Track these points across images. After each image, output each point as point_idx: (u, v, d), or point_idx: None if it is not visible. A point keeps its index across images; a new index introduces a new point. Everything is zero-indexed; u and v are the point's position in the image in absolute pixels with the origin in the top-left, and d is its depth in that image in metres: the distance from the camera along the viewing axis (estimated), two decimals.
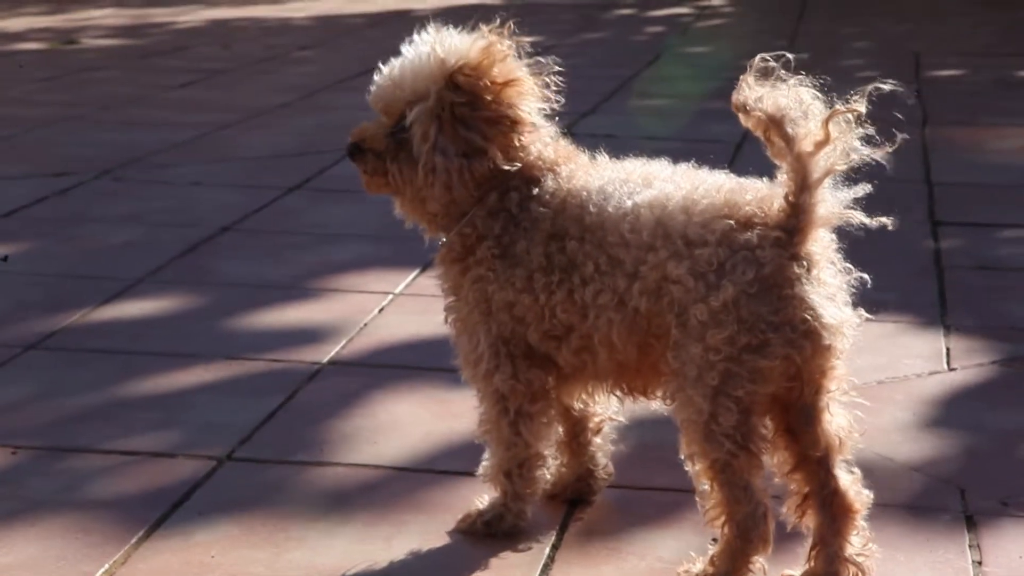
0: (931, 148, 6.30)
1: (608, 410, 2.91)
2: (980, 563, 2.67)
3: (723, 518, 2.50)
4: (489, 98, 2.59)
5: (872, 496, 2.58)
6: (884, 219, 2.47)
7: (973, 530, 2.80)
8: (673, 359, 2.47)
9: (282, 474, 3.05)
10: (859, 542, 2.55)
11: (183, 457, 3.12)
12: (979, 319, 4.06)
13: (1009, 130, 6.80)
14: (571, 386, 2.75)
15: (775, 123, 2.37)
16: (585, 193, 2.58)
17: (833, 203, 2.42)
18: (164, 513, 2.85)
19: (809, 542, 2.55)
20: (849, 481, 2.54)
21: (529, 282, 2.59)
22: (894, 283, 4.31)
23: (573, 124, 6.61)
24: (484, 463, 2.79)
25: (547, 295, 2.58)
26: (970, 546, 2.73)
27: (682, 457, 2.53)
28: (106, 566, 2.63)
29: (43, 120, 6.99)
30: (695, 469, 2.51)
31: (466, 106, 2.58)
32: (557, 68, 2.68)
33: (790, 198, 2.40)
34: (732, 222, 2.43)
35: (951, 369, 3.68)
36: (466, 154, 2.59)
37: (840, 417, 2.53)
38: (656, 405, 2.69)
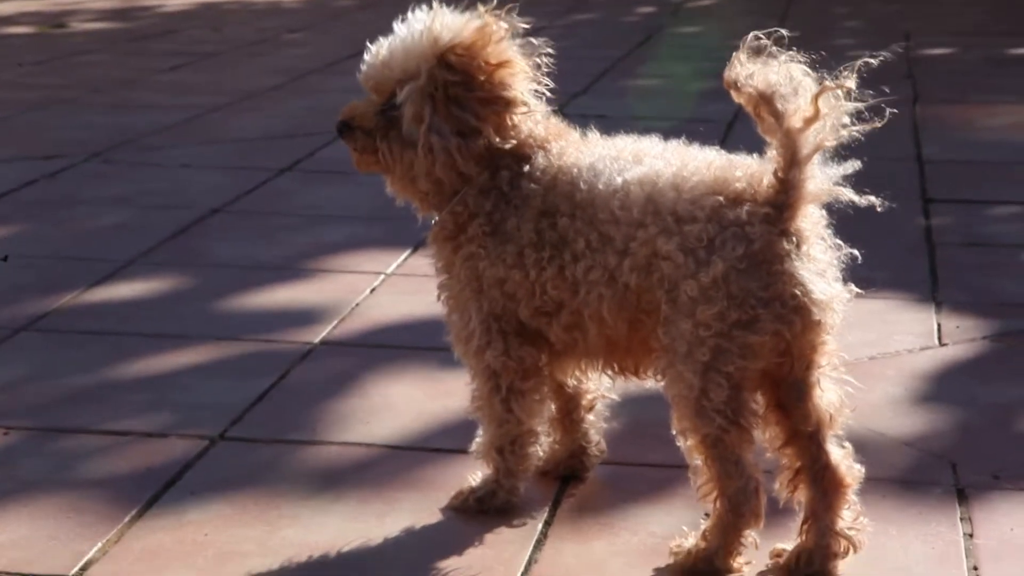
0: (922, 126, 6.31)
1: (601, 387, 2.91)
2: (971, 536, 2.68)
3: (715, 493, 2.51)
4: (482, 78, 2.59)
5: (864, 470, 2.59)
6: (873, 198, 2.47)
7: (964, 503, 2.81)
8: (663, 335, 2.47)
9: (274, 453, 3.05)
10: (850, 516, 2.55)
11: (175, 437, 3.12)
12: (970, 295, 4.07)
13: (999, 107, 6.80)
14: (563, 363, 2.75)
15: (765, 99, 2.37)
16: (576, 170, 2.58)
17: (822, 179, 2.42)
18: (156, 492, 2.85)
19: (800, 517, 2.56)
20: (840, 456, 2.55)
21: (520, 258, 2.60)
22: (886, 260, 4.32)
23: (564, 104, 6.60)
24: (477, 440, 2.80)
25: (538, 271, 2.59)
26: (961, 519, 2.74)
27: (674, 433, 2.53)
28: (99, 545, 2.63)
29: (33, 103, 6.98)
30: (686, 445, 2.52)
31: (459, 86, 2.58)
32: (548, 49, 2.68)
33: (779, 174, 2.40)
34: (722, 198, 2.43)
35: (942, 345, 3.69)
36: (460, 133, 2.59)
37: (831, 392, 2.54)
38: (648, 383, 2.69)
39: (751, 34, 2.42)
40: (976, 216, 4.92)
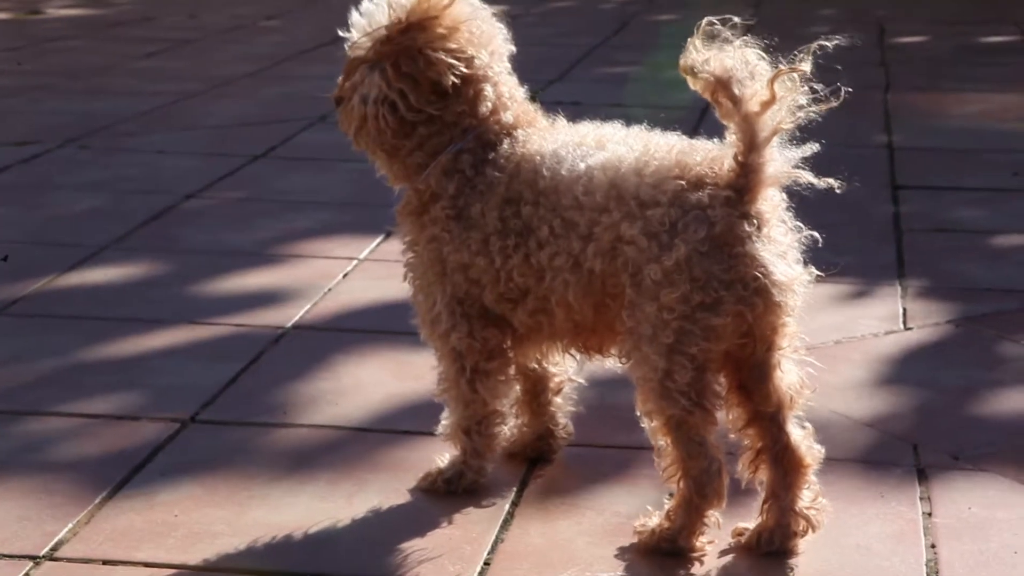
0: (893, 113, 6.36)
1: (568, 371, 2.95)
2: (930, 515, 2.73)
3: (679, 474, 2.55)
4: (436, 44, 2.61)
5: (824, 451, 2.63)
6: (832, 180, 2.51)
7: (924, 483, 2.85)
8: (628, 318, 2.50)
9: (245, 435, 3.08)
10: (809, 496, 2.60)
11: (146, 420, 3.15)
12: (935, 280, 4.12)
13: (971, 95, 6.86)
14: (526, 347, 2.78)
15: (722, 84, 2.41)
16: (539, 157, 2.61)
17: (782, 162, 2.46)
18: (127, 474, 2.88)
19: (762, 496, 2.60)
20: (801, 436, 2.59)
21: (484, 246, 2.63)
22: (853, 245, 4.37)
23: (540, 91, 6.63)
24: (443, 422, 2.83)
25: (503, 259, 2.62)
26: (921, 498, 2.79)
27: (638, 415, 2.57)
28: (70, 526, 2.66)
29: (7, 90, 6.97)
30: (651, 426, 2.56)
31: (407, 52, 2.60)
32: (501, 15, 2.71)
33: (739, 158, 2.44)
34: (683, 182, 2.46)
35: (907, 329, 3.74)
36: (387, 100, 2.62)
37: (791, 374, 2.58)
38: (612, 364, 2.73)
39: (704, 19, 2.45)
40: (944, 202, 4.97)
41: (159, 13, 9.92)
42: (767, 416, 2.57)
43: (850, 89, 2.49)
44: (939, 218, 4.76)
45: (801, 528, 2.58)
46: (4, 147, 5.70)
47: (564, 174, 2.56)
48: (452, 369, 2.73)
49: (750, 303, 2.45)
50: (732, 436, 2.62)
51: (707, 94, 2.44)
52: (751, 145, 2.42)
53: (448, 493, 2.79)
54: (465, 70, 2.62)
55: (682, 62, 2.44)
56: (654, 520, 2.60)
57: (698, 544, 2.57)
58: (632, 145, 2.55)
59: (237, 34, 9.02)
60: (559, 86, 6.99)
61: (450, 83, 2.61)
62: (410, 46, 2.61)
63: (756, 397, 2.57)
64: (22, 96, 6.82)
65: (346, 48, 2.71)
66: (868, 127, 6.07)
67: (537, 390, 2.93)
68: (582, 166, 2.55)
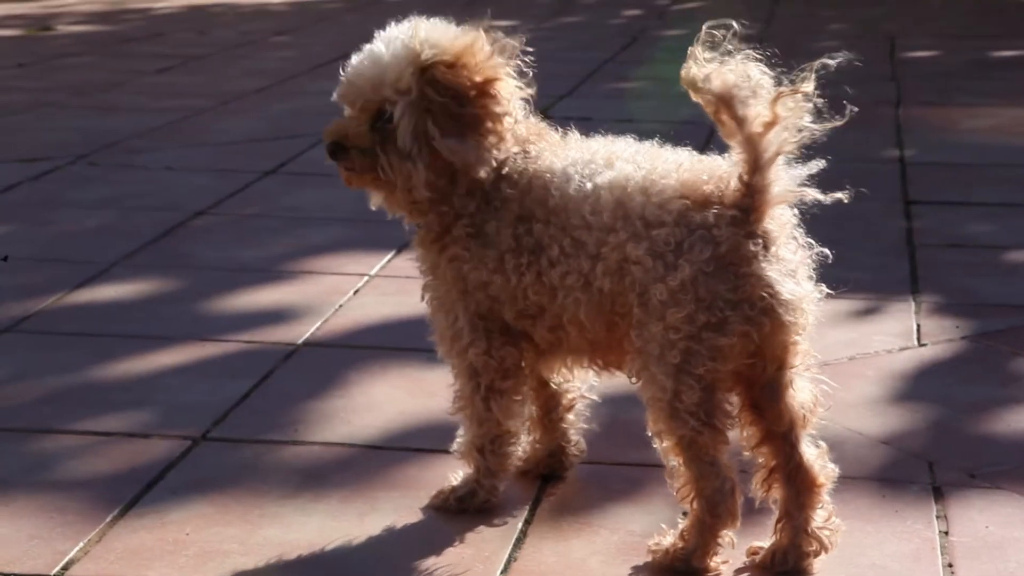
0: (904, 128, 6.34)
1: (580, 388, 2.93)
2: (947, 533, 2.70)
3: (692, 494, 2.53)
4: (472, 94, 2.59)
5: (838, 469, 2.61)
6: (838, 194, 2.49)
7: (941, 501, 2.83)
8: (636, 338, 2.49)
9: (256, 453, 3.07)
10: (823, 516, 2.57)
11: (157, 437, 3.13)
12: (949, 296, 4.09)
13: (982, 110, 6.84)
14: (549, 361, 2.77)
15: (724, 103, 2.39)
16: (549, 175, 2.59)
17: (787, 181, 2.44)
18: (138, 492, 2.86)
19: (775, 516, 2.58)
20: (814, 455, 2.57)
21: (500, 263, 2.61)
22: (866, 261, 4.35)
23: (550, 107, 6.63)
24: (458, 440, 2.82)
25: (518, 277, 2.61)
26: (937, 517, 2.77)
27: (649, 434, 2.55)
28: (81, 544, 2.64)
29: (18, 106, 6.98)
30: (663, 446, 2.54)
31: (450, 101, 2.58)
32: (527, 49, 2.69)
33: (744, 178, 2.43)
34: (689, 202, 2.45)
35: (921, 345, 3.71)
36: (463, 135, 2.59)
37: (804, 392, 2.56)
38: (626, 381, 2.70)
39: (704, 27, 2.44)
40: (957, 217, 4.95)
41: (169, 29, 9.94)
42: (780, 435, 2.55)
43: (855, 109, 2.47)
44: (952, 233, 4.74)
45: (813, 549, 2.55)
46: (14, 164, 5.70)
47: (572, 193, 2.55)
48: (468, 387, 2.72)
49: (757, 323, 2.43)
50: (745, 454, 2.60)
51: (709, 111, 2.43)
52: (755, 165, 2.41)
53: (460, 511, 2.77)
54: (499, 109, 2.60)
55: (683, 74, 2.43)
56: (668, 539, 2.58)
57: (712, 564, 2.55)
58: (640, 163, 2.54)
59: (247, 50, 9.03)
60: (569, 101, 6.98)
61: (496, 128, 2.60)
62: (455, 85, 2.58)
63: (768, 416, 2.55)
64: (32, 112, 6.83)
65: (349, 84, 2.65)
66: (880, 142, 6.05)
67: (549, 407, 2.92)
68: (589, 185, 2.54)
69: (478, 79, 2.59)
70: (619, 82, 7.70)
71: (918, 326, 3.84)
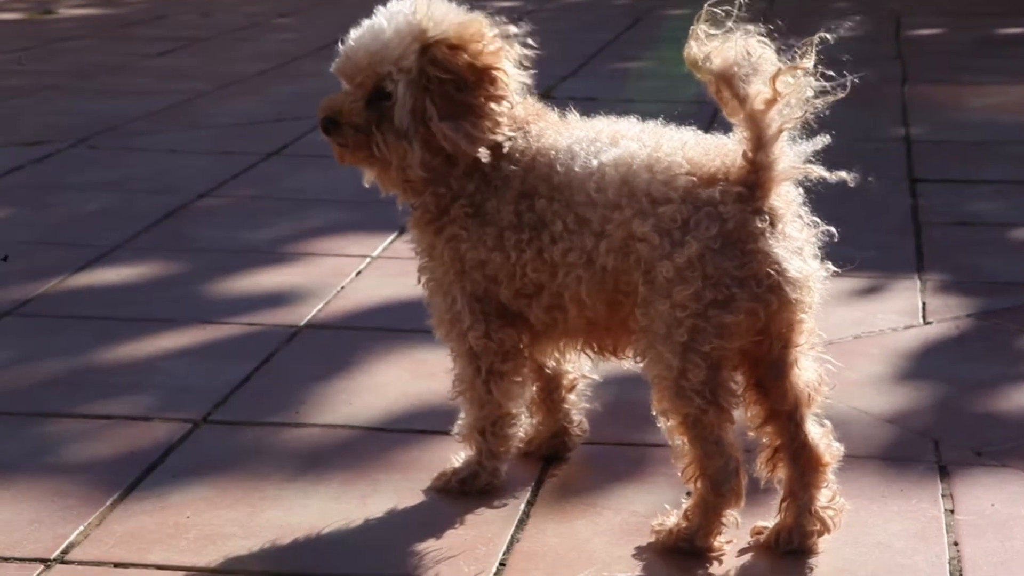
0: (910, 106, 6.30)
1: (582, 368, 2.91)
2: (952, 512, 2.68)
3: (696, 473, 2.51)
4: (472, 78, 2.57)
5: (843, 449, 2.59)
6: (844, 174, 2.47)
7: (946, 480, 2.81)
8: (642, 316, 2.47)
9: (257, 436, 3.05)
10: (827, 495, 2.55)
11: (158, 420, 3.12)
12: (955, 274, 4.07)
13: (989, 87, 6.80)
14: (543, 344, 2.75)
15: (725, 81, 2.37)
16: (553, 152, 2.57)
17: (792, 158, 2.42)
18: (139, 476, 2.85)
19: (780, 495, 2.56)
20: (819, 434, 2.55)
21: (500, 241, 2.59)
22: (872, 239, 4.33)
23: (553, 87, 6.60)
24: (459, 422, 2.80)
25: (518, 253, 2.58)
26: (943, 495, 2.75)
27: (654, 413, 2.54)
28: (81, 528, 2.63)
29: (19, 90, 6.95)
30: (667, 426, 2.52)
31: (449, 83, 2.56)
32: (527, 34, 2.66)
33: (748, 155, 2.40)
34: (695, 179, 2.43)
35: (927, 323, 3.69)
36: (457, 119, 2.57)
37: (809, 371, 2.54)
38: (627, 364, 2.69)
39: (706, 5, 2.41)
40: (962, 195, 4.92)
41: (172, 12, 9.90)
42: (784, 414, 2.53)
43: (856, 79, 2.43)
44: (958, 211, 4.71)
45: (817, 528, 2.54)
46: (15, 147, 5.68)
47: (578, 170, 2.53)
48: (468, 370, 2.70)
49: (764, 300, 2.41)
50: (750, 434, 2.58)
51: (711, 89, 2.41)
52: (759, 142, 2.39)
53: (462, 493, 2.76)
54: (498, 94, 2.58)
55: (686, 54, 2.40)
56: (672, 519, 2.56)
57: (716, 544, 2.53)
58: (645, 141, 2.51)
59: (250, 32, 9.00)
60: (573, 82, 6.95)
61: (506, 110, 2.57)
62: (456, 67, 2.55)
63: (773, 395, 2.53)
64: (33, 96, 6.81)
65: (346, 59, 2.62)
66: (886, 120, 6.01)
67: (551, 388, 2.90)
68: (595, 162, 2.51)
69: (479, 64, 2.57)
70: (624, 62, 7.67)
71: (923, 304, 3.82)
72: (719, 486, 2.50)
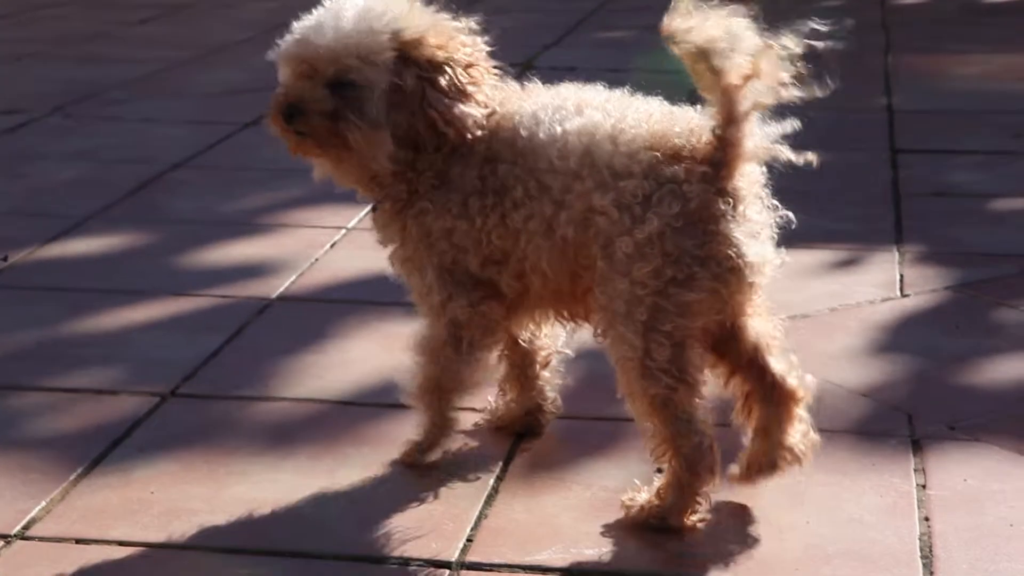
0: (893, 76, 6.26)
1: (556, 344, 2.88)
2: (924, 487, 2.66)
3: (669, 453, 2.48)
4: (457, 68, 2.54)
5: (815, 382, 2.60)
6: (810, 155, 2.43)
7: (919, 454, 2.79)
8: (600, 294, 2.44)
9: (225, 410, 3.02)
10: (801, 430, 2.56)
11: (126, 394, 3.08)
12: (934, 246, 4.04)
13: (973, 56, 6.75)
14: (517, 315, 2.72)
15: (704, 55, 2.33)
16: (517, 117, 2.54)
17: (760, 137, 2.39)
18: (104, 450, 2.82)
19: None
20: (786, 368, 2.55)
21: (464, 208, 2.56)
22: (852, 211, 4.29)
23: (535, 57, 6.54)
24: (411, 383, 2.71)
25: (482, 219, 2.55)
26: (915, 470, 2.73)
27: (619, 396, 2.50)
28: (43, 503, 2.60)
29: None
30: (636, 408, 2.49)
31: (439, 72, 2.53)
32: (482, 28, 2.64)
33: (717, 131, 2.37)
34: (659, 154, 2.39)
35: (904, 295, 3.66)
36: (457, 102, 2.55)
37: (759, 324, 2.54)
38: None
39: None
40: (943, 166, 4.88)
41: None
42: (746, 364, 2.54)
43: (831, 83, 2.40)
44: (938, 182, 4.67)
45: (788, 460, 2.55)
46: None
47: (541, 136, 2.49)
48: (443, 335, 2.64)
49: (724, 280, 2.40)
50: (722, 406, 2.56)
51: (687, 63, 2.37)
52: (729, 118, 2.35)
53: (429, 463, 2.72)
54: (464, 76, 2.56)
55: (665, 25, 2.36)
56: (643, 495, 2.54)
57: (689, 522, 2.51)
58: (610, 111, 2.48)
59: (232, 0, 8.91)
60: (555, 51, 6.89)
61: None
62: (429, 58, 2.53)
63: (729, 355, 2.54)
64: (10, 65, 6.74)
65: (302, 46, 2.57)
66: (868, 90, 5.97)
67: (525, 364, 2.87)
68: (559, 129, 2.48)
69: (452, 63, 2.54)
70: (606, 31, 7.61)
71: (901, 276, 3.79)
72: (693, 465, 2.47)
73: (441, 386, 2.69)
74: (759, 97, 2.35)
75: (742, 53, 2.33)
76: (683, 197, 2.36)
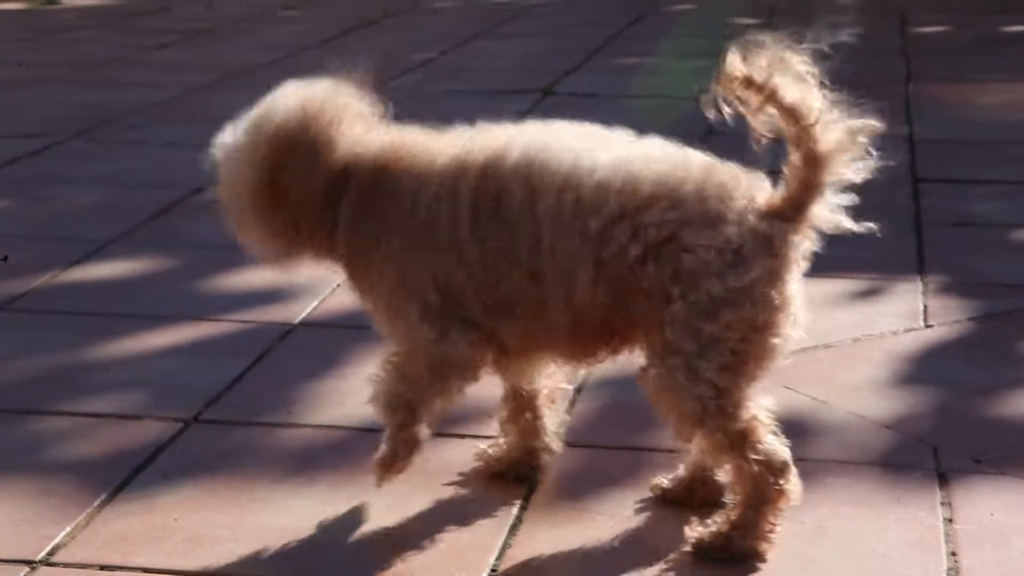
0: (914, 105, 6.26)
1: (557, 380, 2.81)
2: (951, 521, 2.64)
3: (739, 481, 2.47)
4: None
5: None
6: (871, 225, 2.52)
7: (945, 487, 2.77)
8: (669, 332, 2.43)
9: (248, 436, 3.02)
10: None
11: (149, 419, 3.08)
12: (957, 276, 4.03)
13: (993, 86, 6.75)
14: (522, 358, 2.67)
15: (791, 115, 2.32)
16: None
17: (828, 205, 2.42)
18: (128, 476, 2.81)
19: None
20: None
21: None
22: (873, 240, 4.24)
23: (556, 83, 6.55)
24: (377, 387, 2.65)
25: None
26: (941, 503, 2.71)
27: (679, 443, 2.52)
28: (68, 529, 2.60)
29: (19, 82, 6.92)
30: (704, 449, 2.49)
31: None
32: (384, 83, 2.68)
33: (794, 193, 2.38)
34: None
35: (927, 326, 3.65)
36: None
37: None
38: (622, 363, 2.65)
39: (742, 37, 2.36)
40: (965, 195, 4.87)
41: (175, 3, 9.87)
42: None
43: (892, 162, 2.41)
44: (961, 212, 4.66)
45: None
46: (13, 139, 5.65)
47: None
48: (426, 364, 2.57)
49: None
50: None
51: (754, 104, 2.34)
52: (809, 183, 2.37)
53: (396, 471, 2.63)
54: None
55: (729, 66, 2.32)
56: (711, 527, 2.50)
57: (762, 548, 2.48)
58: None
59: (254, 24, 8.96)
60: (575, 77, 6.90)
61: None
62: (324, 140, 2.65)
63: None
64: (34, 88, 6.78)
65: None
66: (889, 119, 5.93)
67: (525, 407, 2.79)
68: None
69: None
70: (626, 58, 7.62)
71: (925, 307, 3.78)
72: (764, 490, 2.45)
73: (410, 400, 2.61)
74: (843, 168, 2.37)
75: (827, 118, 2.33)
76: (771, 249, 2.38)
